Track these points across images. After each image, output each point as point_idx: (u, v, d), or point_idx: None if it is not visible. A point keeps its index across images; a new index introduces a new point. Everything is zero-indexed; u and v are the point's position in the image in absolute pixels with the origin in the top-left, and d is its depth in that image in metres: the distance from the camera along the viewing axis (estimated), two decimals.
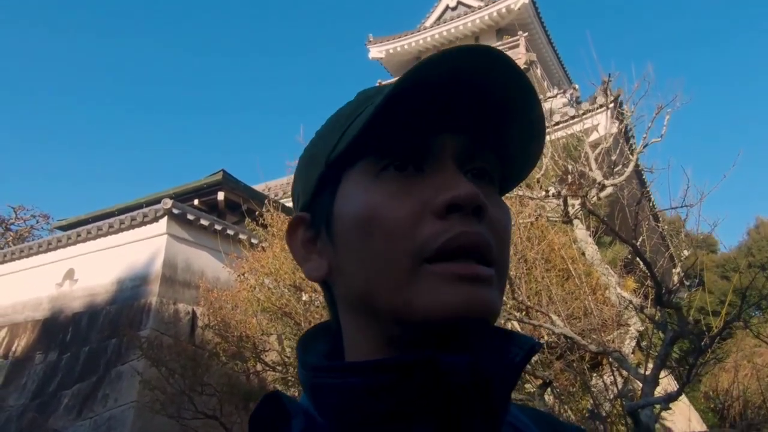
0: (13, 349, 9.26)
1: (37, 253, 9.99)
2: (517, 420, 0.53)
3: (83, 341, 8.45)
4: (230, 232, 9.10)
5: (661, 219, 7.15)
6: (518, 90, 0.46)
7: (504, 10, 19.02)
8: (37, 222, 21.67)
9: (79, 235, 9.50)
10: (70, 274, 9.49)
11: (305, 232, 0.52)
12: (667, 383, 4.22)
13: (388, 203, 0.45)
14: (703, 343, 3.02)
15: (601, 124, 9.01)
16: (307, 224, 0.52)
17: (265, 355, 6.66)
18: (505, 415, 0.47)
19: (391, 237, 0.44)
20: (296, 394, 6.38)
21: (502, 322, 4.50)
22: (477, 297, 0.43)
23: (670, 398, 2.95)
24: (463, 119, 0.47)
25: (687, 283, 4.72)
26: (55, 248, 9.75)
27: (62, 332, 8.86)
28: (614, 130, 5.57)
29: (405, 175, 0.46)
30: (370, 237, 0.45)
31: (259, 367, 6.78)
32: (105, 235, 9.26)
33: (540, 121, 0.48)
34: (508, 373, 0.46)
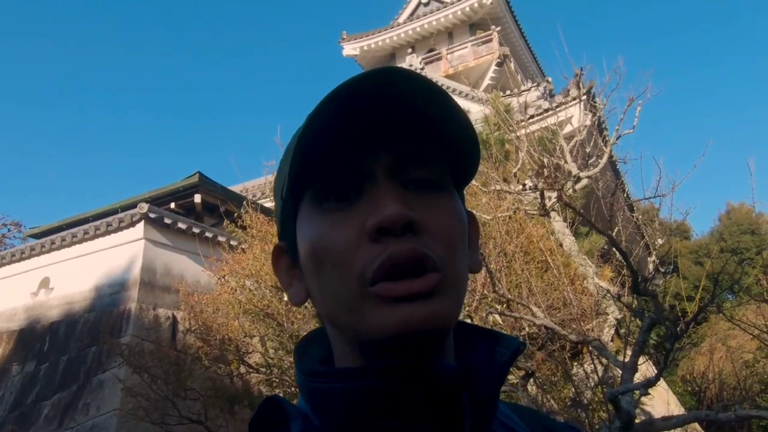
0: None
1: (10, 263, 9.77)
2: (505, 417, 0.56)
3: (62, 350, 8.31)
4: (209, 234, 9.02)
5: (635, 209, 7.29)
6: (422, 91, 0.47)
7: (476, 4, 19.13)
8: (9, 231, 21.13)
9: (53, 243, 9.32)
10: (45, 283, 9.31)
11: (286, 259, 0.55)
12: (645, 369, 4.33)
13: (329, 234, 0.47)
14: (678, 329, 3.10)
15: (575, 117, 9.13)
16: (285, 252, 0.55)
17: (249, 357, 6.63)
18: (494, 412, 0.50)
19: (335, 265, 0.47)
20: (281, 395, 6.35)
21: (484, 315, 4.55)
22: (416, 315, 0.44)
23: (649, 384, 3.02)
24: (390, 136, 0.49)
25: (662, 270, 4.82)
26: (29, 257, 9.55)
27: (39, 342, 8.69)
28: (588, 122, 5.65)
29: (343, 205, 0.48)
30: (321, 267, 0.48)
31: (242, 369, 6.74)
32: (80, 242, 9.10)
33: (455, 110, 0.48)
34: (495, 373, 0.49)
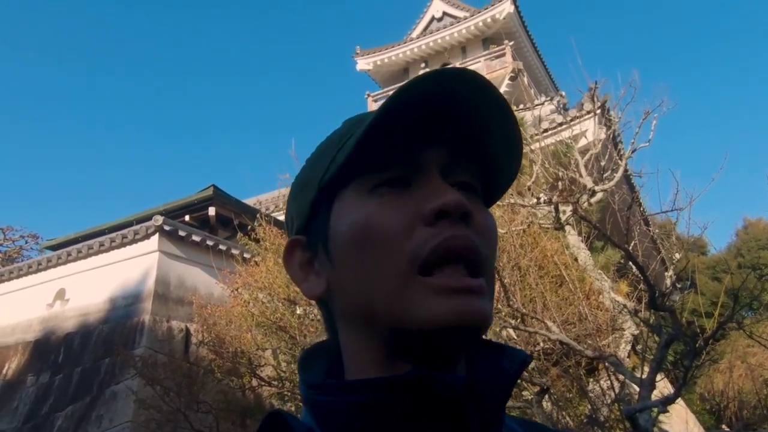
0: (4, 371, 9.13)
1: (26, 274, 9.89)
2: (511, 431, 0.54)
3: (76, 362, 8.35)
4: (222, 247, 9.06)
5: (651, 223, 7.20)
6: (490, 104, 0.49)
7: (489, 20, 19.22)
8: (27, 242, 21.46)
9: (69, 255, 9.42)
10: (60, 294, 9.40)
11: (302, 253, 0.55)
12: (663, 386, 4.24)
13: (380, 214, 0.48)
14: (697, 345, 3.04)
15: (589, 130, 9.09)
16: (303, 246, 0.55)
17: (261, 371, 6.61)
18: (500, 427, 0.49)
19: (384, 247, 0.47)
20: (293, 409, 6.34)
21: (497, 329, 4.51)
22: (470, 306, 0.45)
23: (667, 401, 2.96)
24: (444, 134, 0.50)
25: (679, 286, 4.75)
26: (45, 268, 9.65)
27: (54, 353, 8.75)
28: (602, 136, 5.62)
29: (395, 191, 0.49)
30: (365, 249, 0.48)
31: (254, 382, 6.72)
32: (96, 253, 9.19)
33: (515, 133, 0.51)
34: (502, 387, 0.49)
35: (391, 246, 0.46)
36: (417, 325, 0.45)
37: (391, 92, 0.51)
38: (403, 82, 0.47)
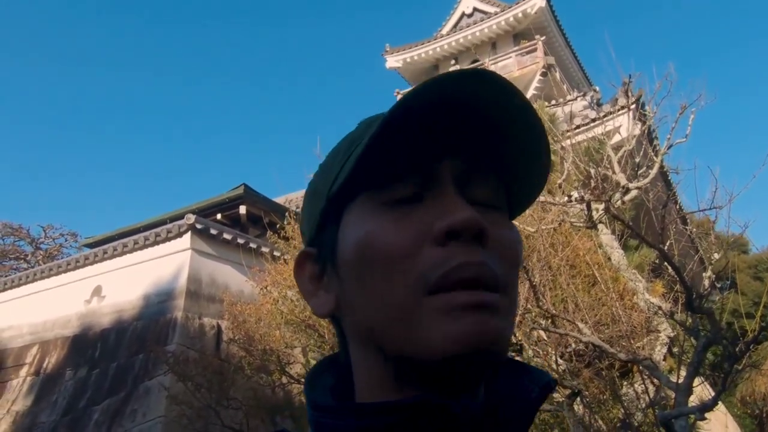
0: (44, 366, 9.43)
1: (65, 271, 10.19)
2: None
3: (111, 357, 8.57)
4: (253, 245, 9.16)
5: (689, 221, 6.98)
6: (513, 109, 0.44)
7: (520, 14, 18.94)
8: (66, 240, 22.18)
9: (105, 252, 9.66)
10: (97, 291, 9.65)
11: (312, 266, 0.51)
12: (701, 391, 4.10)
13: (386, 231, 0.43)
14: (738, 349, 2.91)
15: (624, 126, 8.86)
16: (313, 259, 0.51)
17: (290, 368, 6.66)
18: None
19: (390, 266, 0.42)
20: None
21: (528, 330, 4.42)
22: (483, 327, 0.40)
23: (704, 408, 2.85)
24: (460, 142, 0.46)
25: (719, 286, 4.58)
26: (83, 266, 9.93)
27: (91, 348, 9.00)
28: (637, 131, 5.45)
29: (406, 205, 0.45)
30: (370, 268, 0.43)
31: (284, 380, 6.78)
32: (131, 251, 9.40)
33: (541, 139, 0.46)
34: (523, 412, 0.44)
35: (397, 265, 0.42)
36: (425, 355, 0.41)
37: None
38: (415, 85, 0.42)
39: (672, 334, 4.06)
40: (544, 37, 18.63)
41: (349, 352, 0.49)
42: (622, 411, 4.39)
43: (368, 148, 0.43)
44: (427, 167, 0.45)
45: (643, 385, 4.27)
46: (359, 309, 0.45)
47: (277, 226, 7.56)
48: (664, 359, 4.21)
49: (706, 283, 3.75)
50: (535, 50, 18.44)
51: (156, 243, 9.10)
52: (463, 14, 21.29)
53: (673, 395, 3.13)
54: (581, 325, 3.85)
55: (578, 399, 4.10)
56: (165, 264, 8.90)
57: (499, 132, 0.45)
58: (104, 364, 8.57)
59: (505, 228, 0.46)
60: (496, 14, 19.62)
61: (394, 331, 0.42)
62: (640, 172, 4.66)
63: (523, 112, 0.44)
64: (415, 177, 0.45)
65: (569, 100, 12.30)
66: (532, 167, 0.48)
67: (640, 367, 3.70)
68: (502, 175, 0.48)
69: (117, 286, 9.39)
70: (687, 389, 2.98)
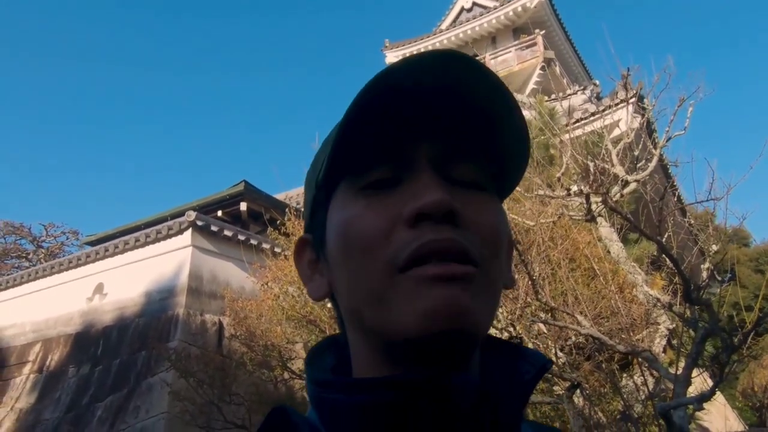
0: (47, 363, 9.47)
1: (67, 269, 10.21)
2: None
3: (114, 354, 8.60)
4: (253, 241, 9.18)
5: (688, 214, 6.98)
6: (485, 87, 0.45)
7: (520, 8, 18.89)
8: (67, 238, 22.23)
9: (107, 250, 9.68)
10: (99, 288, 9.68)
11: (309, 252, 0.53)
12: (700, 382, 4.12)
13: (361, 217, 0.45)
14: (736, 340, 2.93)
15: (623, 120, 8.86)
16: (310, 245, 0.53)
17: (292, 363, 6.69)
18: None
19: (365, 250, 0.44)
20: None
21: (528, 323, 4.43)
22: (452, 300, 0.41)
23: (703, 398, 2.86)
24: (437, 125, 0.46)
25: (718, 279, 4.59)
26: (85, 263, 9.96)
27: (94, 346, 9.03)
28: (636, 124, 5.46)
29: (383, 190, 0.46)
30: (349, 252, 0.45)
31: (286, 375, 6.80)
32: (132, 248, 9.42)
33: (516, 118, 0.47)
34: (518, 392, 0.46)
35: (372, 248, 0.44)
36: (399, 335, 0.42)
37: None
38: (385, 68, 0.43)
39: (671, 327, 4.07)
40: (543, 31, 18.59)
41: (346, 332, 0.51)
42: (622, 403, 4.41)
43: (341, 136, 0.44)
44: (403, 150, 0.46)
45: (642, 377, 4.29)
46: (344, 292, 0.47)
47: (278, 222, 7.58)
48: (664, 351, 4.23)
49: (705, 275, 3.76)
50: (534, 44, 18.40)
51: (157, 240, 9.12)
52: (462, 9, 21.24)
53: (672, 387, 3.14)
54: (581, 318, 3.86)
55: (578, 391, 4.12)
56: (166, 261, 8.92)
57: (478, 112, 0.46)
58: (107, 361, 8.61)
59: (485, 207, 0.47)
60: (495, 8, 19.57)
61: (373, 312, 0.44)
62: (639, 165, 4.67)
63: (494, 89, 0.45)
64: (392, 161, 0.46)
65: (569, 94, 12.29)
66: (513, 143, 0.49)
67: (640, 360, 3.72)
68: (485, 154, 0.48)
69: (119, 283, 9.42)
70: (686, 380, 2.99)
